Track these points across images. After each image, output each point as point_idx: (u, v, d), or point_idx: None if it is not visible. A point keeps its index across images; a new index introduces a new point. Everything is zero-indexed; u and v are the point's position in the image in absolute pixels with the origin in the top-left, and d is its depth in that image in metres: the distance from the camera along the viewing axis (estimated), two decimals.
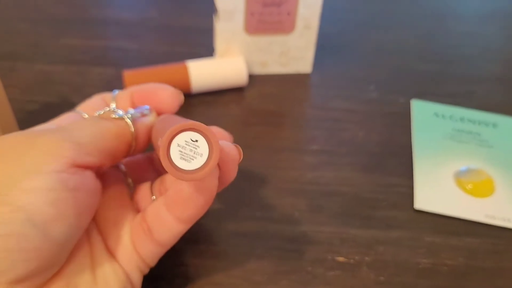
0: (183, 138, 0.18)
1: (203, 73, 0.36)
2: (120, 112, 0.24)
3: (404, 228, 0.29)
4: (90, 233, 0.22)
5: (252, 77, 0.39)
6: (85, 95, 0.37)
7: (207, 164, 0.18)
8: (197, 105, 0.36)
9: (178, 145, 0.18)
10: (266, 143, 0.34)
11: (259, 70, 0.39)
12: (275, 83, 0.39)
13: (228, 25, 0.36)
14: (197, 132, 0.18)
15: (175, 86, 0.36)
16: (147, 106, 0.25)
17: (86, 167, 0.20)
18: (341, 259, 0.27)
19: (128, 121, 0.23)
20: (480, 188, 0.32)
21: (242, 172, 0.32)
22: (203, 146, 0.18)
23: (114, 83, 0.37)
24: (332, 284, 0.26)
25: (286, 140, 0.34)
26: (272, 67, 0.39)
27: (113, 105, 0.25)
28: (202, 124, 0.18)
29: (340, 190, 0.31)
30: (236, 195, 0.30)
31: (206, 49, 0.41)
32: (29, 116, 0.34)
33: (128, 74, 0.35)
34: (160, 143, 0.18)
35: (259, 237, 0.28)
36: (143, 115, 0.25)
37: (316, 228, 0.29)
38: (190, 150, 0.18)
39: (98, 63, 0.39)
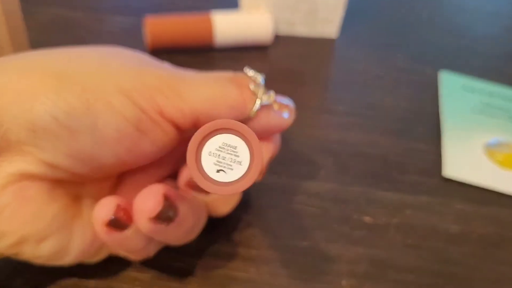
0: (217, 141, 0.15)
1: (228, 26, 0.34)
2: (260, 88, 0.20)
3: (433, 194, 0.28)
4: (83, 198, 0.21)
5: (277, 37, 0.38)
6: (104, 41, 0.35)
7: (246, 175, 0.15)
8: (220, 59, 0.35)
9: (210, 153, 0.15)
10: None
11: (284, 30, 0.38)
12: (300, 44, 0.38)
13: None
14: (235, 135, 0.15)
15: (198, 37, 0.35)
16: (292, 104, 0.22)
17: (173, 124, 0.19)
18: (367, 219, 0.26)
19: (258, 103, 0.20)
20: (511, 160, 0.31)
21: None
22: (242, 153, 0.15)
23: (134, 32, 0.36)
24: (359, 243, 0.25)
25: (312, 99, 0.33)
26: (298, 28, 0.38)
27: (260, 78, 0.21)
28: (242, 124, 0.15)
29: (367, 152, 0.30)
30: None
31: (230, 3, 0.39)
32: None
33: (150, 22, 0.34)
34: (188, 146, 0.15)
35: (283, 191, 0.27)
36: (281, 107, 0.21)
37: (342, 187, 0.28)
38: (225, 157, 0.15)
39: (118, 11, 0.38)
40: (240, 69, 0.34)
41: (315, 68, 0.36)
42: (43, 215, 0.18)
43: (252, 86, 0.20)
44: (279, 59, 0.36)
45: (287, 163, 0.28)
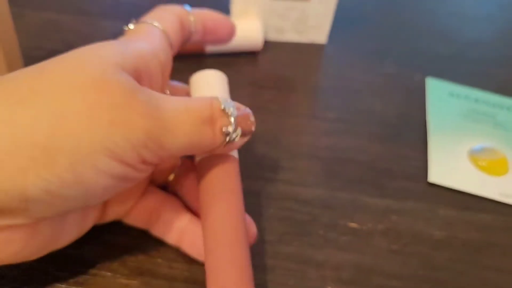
0: None
1: None
2: (232, 127, 0.20)
3: (418, 200, 0.29)
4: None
5: (266, 43, 0.38)
6: None
7: None
8: (211, 66, 0.35)
9: None
10: (280, 107, 0.33)
11: (274, 36, 0.38)
12: (289, 50, 0.38)
13: None
14: None
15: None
16: (254, 127, 0.22)
17: (152, 166, 0.20)
18: (353, 225, 0.27)
19: (226, 140, 0.20)
20: (494, 166, 0.31)
21: (254, 133, 0.31)
22: None
23: None
24: (345, 249, 0.25)
25: (301, 105, 0.33)
26: (288, 34, 0.38)
27: (233, 118, 0.21)
28: None
29: (355, 158, 0.30)
30: (248, 156, 0.29)
31: (221, 10, 0.39)
32: (35, 62, 0.33)
33: None
34: None
35: (271, 198, 0.27)
36: (244, 134, 0.21)
37: (329, 193, 0.28)
38: None
39: (108, 15, 0.38)
40: (231, 73, 0.35)
41: (304, 74, 0.36)
42: (28, 247, 0.19)
43: (224, 129, 0.20)
44: (269, 65, 0.36)
45: (275, 169, 0.29)
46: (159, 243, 0.24)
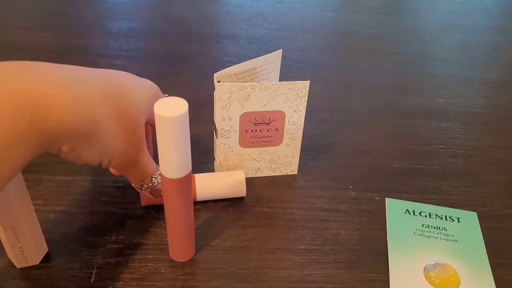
0: None
1: (207, 184, 0.41)
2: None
3: None
4: None
5: (247, 180, 0.44)
6: None
7: None
8: (201, 211, 0.41)
9: None
10: (261, 244, 0.39)
11: (252, 174, 0.45)
12: (267, 185, 0.45)
13: (225, 140, 0.42)
14: None
15: None
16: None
17: None
18: None
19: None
20: (447, 282, 0.37)
21: (239, 272, 0.36)
22: None
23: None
24: None
25: (278, 240, 0.39)
26: (264, 172, 0.45)
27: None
28: None
29: (324, 286, 0.36)
30: None
31: (207, 158, 0.46)
32: (52, 224, 0.39)
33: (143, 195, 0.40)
34: None
35: None
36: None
37: None
38: None
39: None
40: (218, 217, 0.40)
41: (281, 208, 0.42)
42: None
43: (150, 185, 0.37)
44: (251, 203, 0.42)
45: None
46: None
